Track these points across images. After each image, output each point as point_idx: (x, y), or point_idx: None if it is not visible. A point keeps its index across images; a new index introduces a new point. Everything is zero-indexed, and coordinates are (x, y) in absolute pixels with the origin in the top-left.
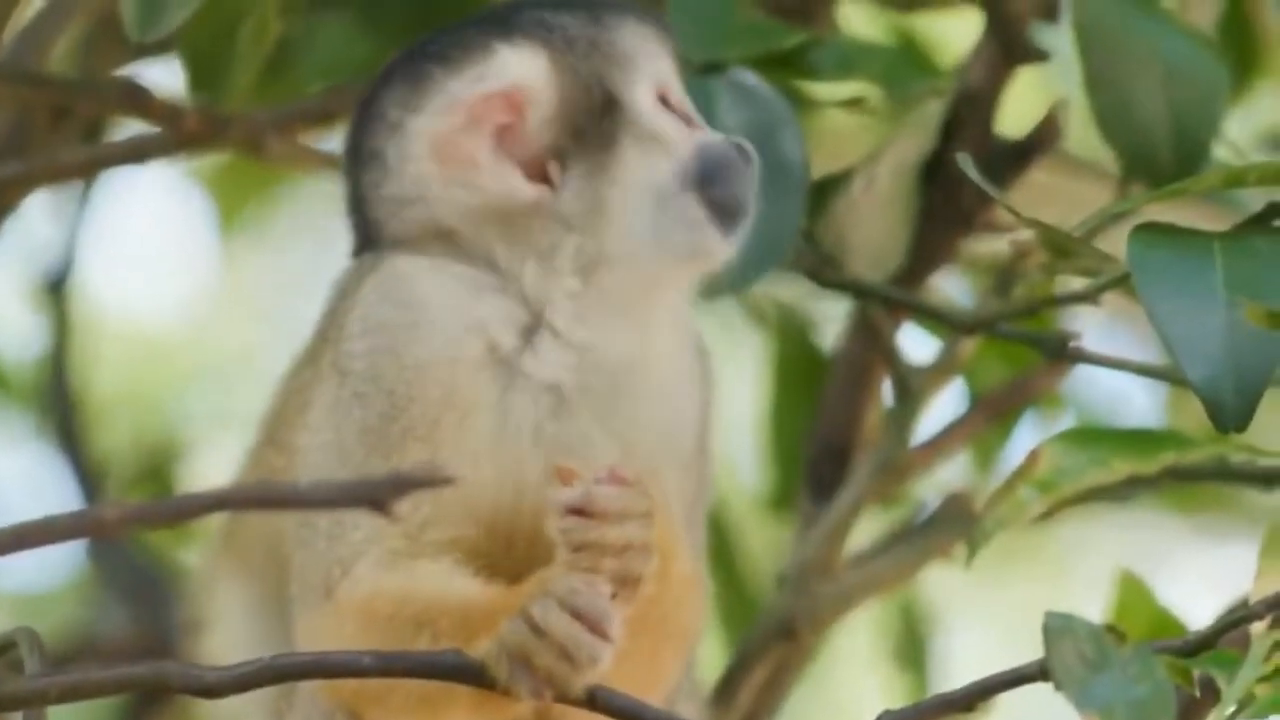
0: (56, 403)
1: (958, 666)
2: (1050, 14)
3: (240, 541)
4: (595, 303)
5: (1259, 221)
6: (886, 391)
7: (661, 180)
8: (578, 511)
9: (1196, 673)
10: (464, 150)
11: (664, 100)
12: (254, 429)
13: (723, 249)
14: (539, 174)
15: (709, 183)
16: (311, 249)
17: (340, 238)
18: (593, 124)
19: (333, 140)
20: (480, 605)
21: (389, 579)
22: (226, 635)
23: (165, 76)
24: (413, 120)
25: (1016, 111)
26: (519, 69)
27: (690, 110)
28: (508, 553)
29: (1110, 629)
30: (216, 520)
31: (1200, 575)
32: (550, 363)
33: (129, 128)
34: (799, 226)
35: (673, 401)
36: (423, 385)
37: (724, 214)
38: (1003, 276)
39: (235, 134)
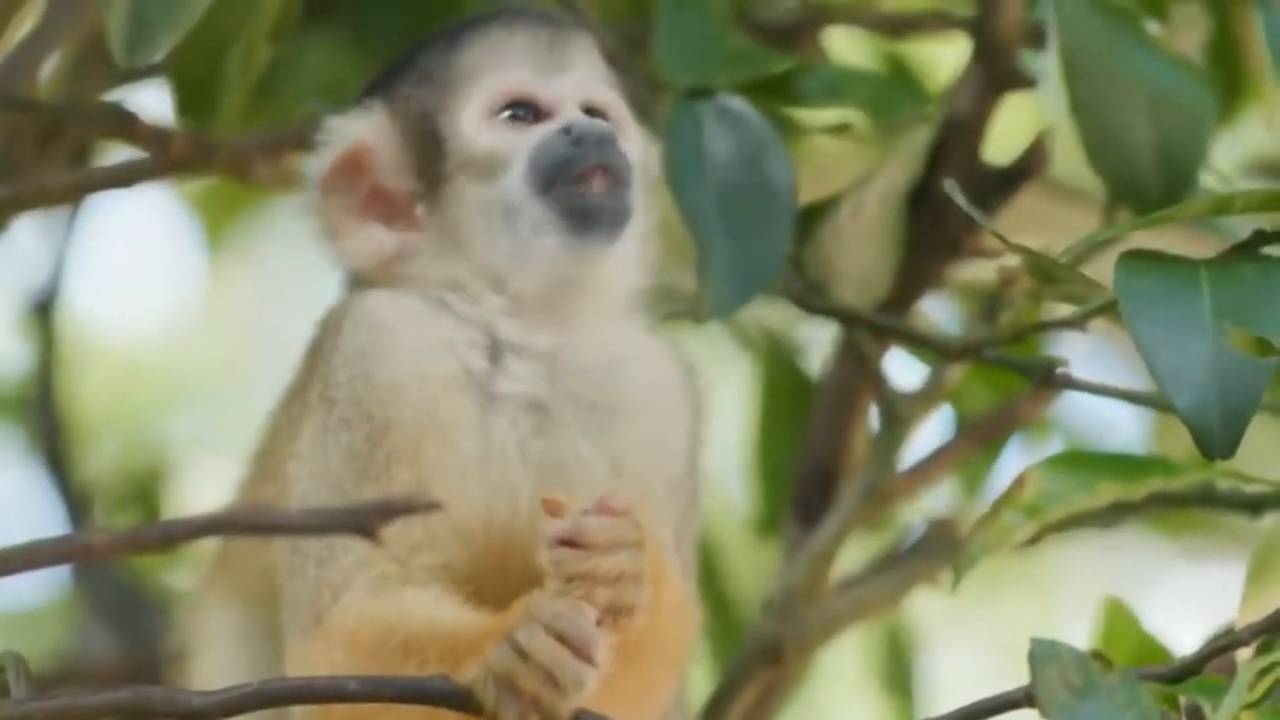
0: (43, 423)
1: (944, 691)
2: (1037, 41)
3: (231, 569)
4: (532, 312)
5: (1246, 248)
6: (873, 417)
7: (503, 195)
8: (569, 543)
9: (1183, 699)
10: (330, 221)
11: (515, 105)
12: (243, 463)
13: (579, 247)
14: (408, 219)
15: (550, 181)
16: (297, 267)
17: (326, 258)
18: (429, 160)
19: None
20: (467, 632)
21: (377, 606)
22: (214, 661)
23: (153, 101)
24: (305, 205)
25: (1004, 138)
26: (355, 132)
27: (560, 100)
28: (501, 573)
29: (1096, 655)
30: (207, 546)
31: (1186, 597)
32: (522, 377)
33: (117, 152)
34: (786, 252)
35: (660, 418)
36: (398, 406)
37: (575, 211)
38: (990, 302)
39: (223, 158)
